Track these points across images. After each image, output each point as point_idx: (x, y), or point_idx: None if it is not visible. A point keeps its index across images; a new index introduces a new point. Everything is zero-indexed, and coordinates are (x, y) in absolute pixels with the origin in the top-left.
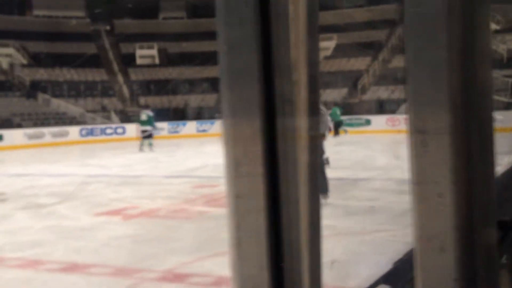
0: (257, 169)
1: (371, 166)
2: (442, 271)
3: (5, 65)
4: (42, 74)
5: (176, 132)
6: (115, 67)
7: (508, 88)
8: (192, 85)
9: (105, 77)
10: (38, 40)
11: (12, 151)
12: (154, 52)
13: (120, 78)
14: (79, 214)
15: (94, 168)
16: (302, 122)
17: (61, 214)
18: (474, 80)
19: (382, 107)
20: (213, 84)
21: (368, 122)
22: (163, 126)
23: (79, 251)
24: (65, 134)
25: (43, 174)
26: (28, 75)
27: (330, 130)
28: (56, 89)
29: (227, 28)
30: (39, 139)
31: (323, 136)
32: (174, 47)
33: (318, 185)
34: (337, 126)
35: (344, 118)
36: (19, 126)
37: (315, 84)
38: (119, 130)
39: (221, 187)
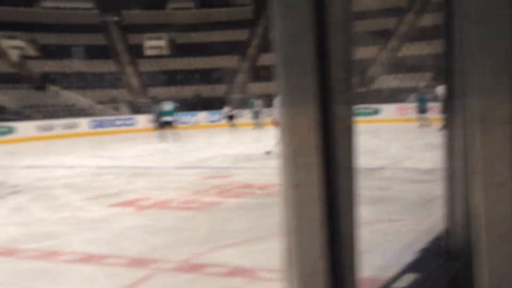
0: (313, 159)
1: (382, 155)
2: (504, 258)
3: (14, 58)
4: (51, 66)
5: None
6: (124, 58)
7: None
8: (202, 75)
9: (113, 68)
10: (47, 32)
11: (23, 143)
12: (162, 42)
13: (129, 69)
14: (92, 206)
15: (105, 159)
16: (350, 111)
17: (75, 205)
18: None
19: (391, 96)
20: (223, 74)
21: (376, 112)
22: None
23: (94, 242)
24: (75, 126)
25: (55, 166)
26: (37, 67)
27: None
28: (65, 81)
29: (283, 19)
30: (49, 131)
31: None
32: (182, 38)
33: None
34: None
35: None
36: (29, 118)
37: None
38: (129, 122)
39: (232, 178)
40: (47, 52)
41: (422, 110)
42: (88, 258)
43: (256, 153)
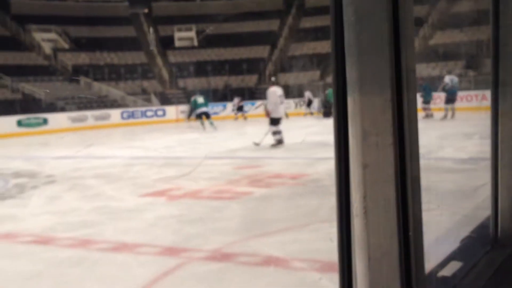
0: (387, 140)
1: None
2: None
3: (48, 50)
4: (83, 58)
5: (216, 113)
6: (154, 49)
7: None
8: (232, 66)
9: (144, 60)
10: (79, 25)
11: (56, 134)
12: (192, 34)
13: (159, 60)
14: (125, 195)
15: (137, 150)
16: (416, 95)
17: (108, 195)
18: None
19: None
20: (253, 65)
21: None
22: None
23: (127, 231)
24: (107, 117)
25: (88, 156)
26: (70, 60)
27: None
28: (97, 73)
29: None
30: (82, 122)
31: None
32: (212, 29)
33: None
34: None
35: None
36: (62, 109)
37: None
38: (159, 113)
39: (264, 168)
40: (79, 45)
41: (426, 100)
42: (121, 247)
43: (287, 143)
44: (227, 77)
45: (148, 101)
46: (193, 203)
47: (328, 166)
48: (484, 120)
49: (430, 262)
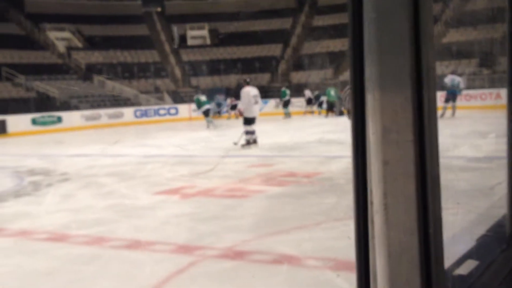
0: (407, 136)
1: None
2: None
3: (62, 49)
4: (97, 56)
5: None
6: (167, 48)
7: None
8: (244, 64)
9: (157, 58)
10: (93, 24)
11: (70, 132)
12: (205, 32)
13: (172, 59)
14: (138, 193)
15: (150, 148)
16: (435, 93)
17: (121, 193)
18: None
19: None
20: (265, 63)
21: None
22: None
23: (141, 229)
24: (120, 115)
25: (102, 154)
26: (83, 58)
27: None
28: (111, 71)
29: None
30: (95, 121)
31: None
32: (225, 27)
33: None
34: (330, 107)
35: None
36: (76, 108)
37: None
38: (172, 111)
39: (277, 166)
40: (92, 43)
41: None
42: (135, 245)
43: (300, 141)
44: (239, 76)
45: (161, 99)
46: (206, 201)
47: (341, 164)
48: (500, 119)
49: (446, 260)
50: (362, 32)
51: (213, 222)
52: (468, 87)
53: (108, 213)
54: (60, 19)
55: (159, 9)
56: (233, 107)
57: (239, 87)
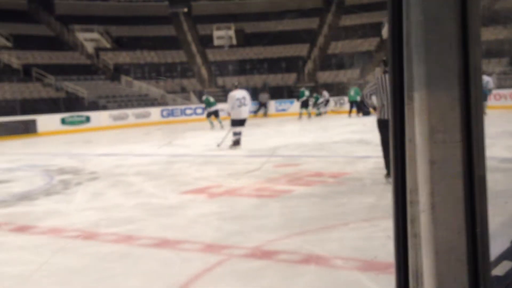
0: (455, 137)
1: None
2: None
3: (90, 50)
4: (124, 57)
5: (255, 112)
6: (193, 48)
7: None
8: (271, 64)
9: (184, 58)
10: (120, 25)
11: (98, 131)
12: (231, 32)
13: (198, 59)
14: (166, 192)
15: (176, 147)
16: (481, 92)
17: (149, 192)
18: None
19: None
20: (292, 63)
21: None
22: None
23: (169, 228)
24: (147, 115)
25: (130, 153)
26: (111, 59)
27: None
28: (138, 72)
29: None
30: (123, 120)
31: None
32: (251, 27)
33: None
34: (352, 107)
35: None
36: (104, 108)
37: None
38: (198, 111)
39: (303, 166)
40: (120, 44)
41: None
42: (163, 243)
43: (327, 141)
44: (265, 76)
45: (188, 99)
46: (233, 201)
47: (368, 164)
48: None
49: None
50: (402, 34)
51: (240, 221)
52: (499, 86)
53: (137, 212)
54: (88, 20)
55: (185, 10)
56: None
57: (265, 87)
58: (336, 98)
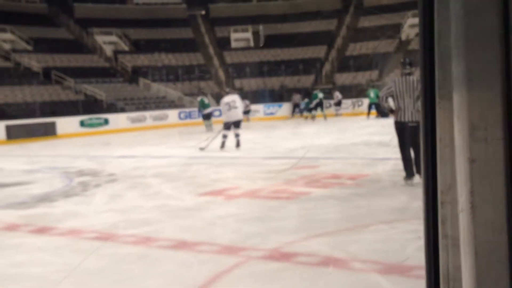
0: (497, 134)
1: None
2: None
3: (109, 53)
4: (142, 60)
5: (272, 114)
6: (211, 51)
7: None
8: (288, 66)
9: (201, 61)
10: (138, 27)
11: (116, 134)
12: (248, 35)
13: (216, 61)
14: (184, 194)
15: (194, 149)
16: None
17: (167, 194)
18: None
19: None
20: (310, 65)
21: None
22: (258, 108)
23: (187, 229)
24: (165, 117)
25: (147, 155)
26: (129, 62)
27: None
28: (156, 74)
29: None
30: (141, 123)
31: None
32: (268, 30)
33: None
34: (371, 108)
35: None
36: (122, 110)
37: None
38: (216, 113)
39: (321, 168)
40: (138, 47)
41: None
42: (181, 245)
43: (345, 143)
44: (283, 78)
45: None
46: (251, 203)
47: (387, 166)
48: None
49: None
50: (433, 31)
51: (258, 223)
52: None
53: (155, 214)
54: (107, 23)
55: (203, 12)
56: (246, 112)
57: (282, 89)
58: (354, 100)
